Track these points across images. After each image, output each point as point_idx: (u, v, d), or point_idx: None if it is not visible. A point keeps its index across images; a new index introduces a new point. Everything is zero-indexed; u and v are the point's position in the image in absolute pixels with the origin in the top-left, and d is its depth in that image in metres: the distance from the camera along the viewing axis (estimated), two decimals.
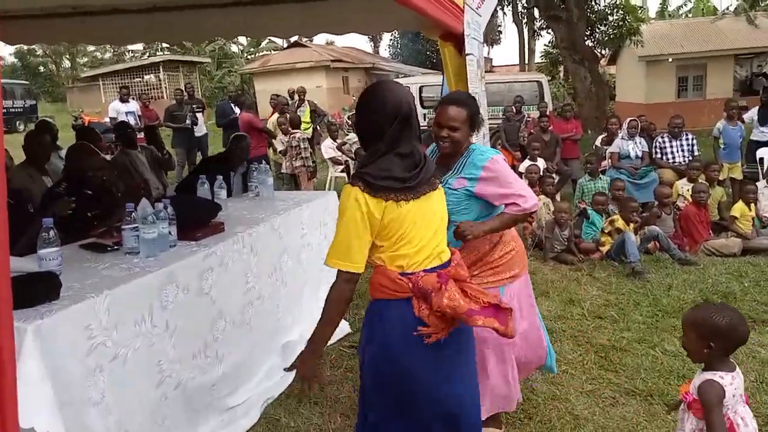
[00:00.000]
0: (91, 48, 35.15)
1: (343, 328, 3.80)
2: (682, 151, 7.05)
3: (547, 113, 9.01)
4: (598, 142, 8.95)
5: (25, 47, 31.98)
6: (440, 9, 3.61)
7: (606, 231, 5.62)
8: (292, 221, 3.48)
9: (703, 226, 5.73)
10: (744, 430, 1.88)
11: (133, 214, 2.46)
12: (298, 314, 3.55)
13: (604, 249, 5.49)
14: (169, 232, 2.54)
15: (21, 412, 1.64)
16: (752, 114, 7.88)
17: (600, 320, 4.10)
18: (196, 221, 2.75)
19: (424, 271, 1.85)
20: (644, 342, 3.70)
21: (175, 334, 2.36)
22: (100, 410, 1.94)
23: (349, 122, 12.24)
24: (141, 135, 8.79)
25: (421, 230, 1.86)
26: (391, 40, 39.70)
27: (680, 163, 6.95)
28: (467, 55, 4.47)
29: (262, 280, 3.06)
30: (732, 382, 1.87)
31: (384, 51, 41.03)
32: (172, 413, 2.39)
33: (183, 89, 10.79)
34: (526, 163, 7.37)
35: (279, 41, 29.83)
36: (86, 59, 37.19)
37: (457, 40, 4.56)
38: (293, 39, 26.00)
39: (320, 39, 31.82)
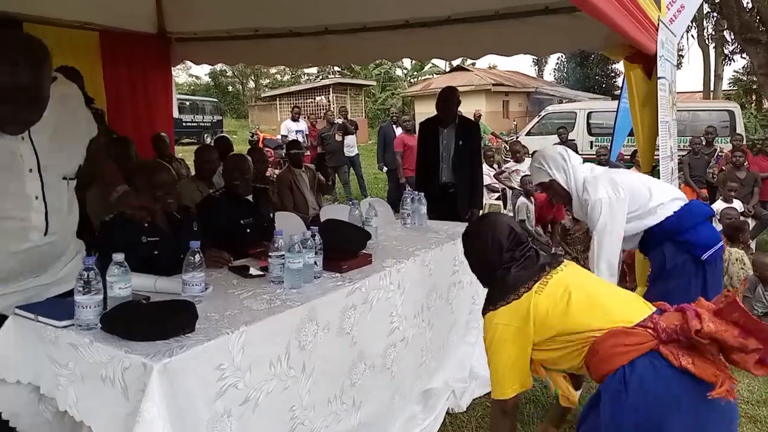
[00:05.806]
0: (273, 70, 38.32)
1: None
2: None
3: (742, 147, 7.87)
4: None
5: (218, 68, 35.75)
6: (635, 26, 3.11)
7: None
8: (445, 256, 3.17)
9: None
10: None
11: (281, 240, 2.32)
12: (443, 359, 3.22)
13: None
14: (315, 263, 2.36)
15: None
16: None
17: None
18: (343, 252, 2.55)
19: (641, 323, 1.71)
20: None
21: (311, 377, 2.15)
22: None
23: (506, 148, 11.86)
24: (307, 153, 9.41)
25: (594, 286, 1.87)
26: (557, 63, 38.25)
27: None
28: (659, 78, 3.88)
29: (407, 320, 2.78)
30: None
31: (548, 75, 39.66)
32: None
33: (337, 112, 11.41)
34: (720, 204, 6.37)
35: (442, 65, 30.09)
36: (267, 81, 40.56)
37: (647, 62, 3.98)
38: (456, 63, 26.04)
39: (483, 63, 31.60)
